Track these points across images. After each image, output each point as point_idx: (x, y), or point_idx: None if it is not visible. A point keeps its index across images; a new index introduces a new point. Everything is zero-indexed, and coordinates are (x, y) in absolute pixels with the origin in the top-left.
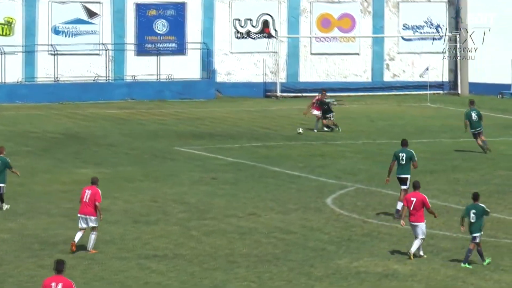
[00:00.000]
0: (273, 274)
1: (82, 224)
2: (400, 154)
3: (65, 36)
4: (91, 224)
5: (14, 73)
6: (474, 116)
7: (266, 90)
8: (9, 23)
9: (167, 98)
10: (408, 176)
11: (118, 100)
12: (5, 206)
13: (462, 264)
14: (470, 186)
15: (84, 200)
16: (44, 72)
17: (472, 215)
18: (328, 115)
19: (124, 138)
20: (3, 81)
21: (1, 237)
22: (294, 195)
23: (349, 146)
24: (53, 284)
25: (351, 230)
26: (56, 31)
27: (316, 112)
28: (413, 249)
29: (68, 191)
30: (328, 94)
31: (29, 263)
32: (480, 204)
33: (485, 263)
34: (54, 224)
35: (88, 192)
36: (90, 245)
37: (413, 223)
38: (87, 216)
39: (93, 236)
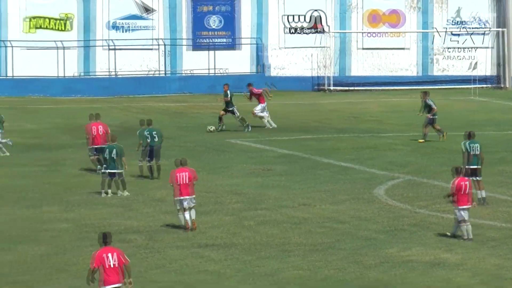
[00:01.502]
0: (325, 262)
1: (184, 205)
2: (472, 145)
3: (122, 31)
4: (192, 204)
5: (71, 67)
6: None
7: (315, 84)
8: (67, 19)
9: (220, 91)
10: (480, 167)
11: (172, 94)
12: (125, 193)
13: None
14: None
15: (182, 182)
16: (101, 66)
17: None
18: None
19: (179, 131)
20: (61, 75)
21: (62, 226)
22: (344, 186)
23: (398, 138)
24: (109, 254)
25: (401, 220)
26: (113, 27)
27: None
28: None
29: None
30: (376, 88)
31: (89, 252)
32: None
33: None
34: (110, 214)
35: (185, 174)
36: (193, 216)
37: (466, 207)
38: (189, 197)
39: (193, 212)
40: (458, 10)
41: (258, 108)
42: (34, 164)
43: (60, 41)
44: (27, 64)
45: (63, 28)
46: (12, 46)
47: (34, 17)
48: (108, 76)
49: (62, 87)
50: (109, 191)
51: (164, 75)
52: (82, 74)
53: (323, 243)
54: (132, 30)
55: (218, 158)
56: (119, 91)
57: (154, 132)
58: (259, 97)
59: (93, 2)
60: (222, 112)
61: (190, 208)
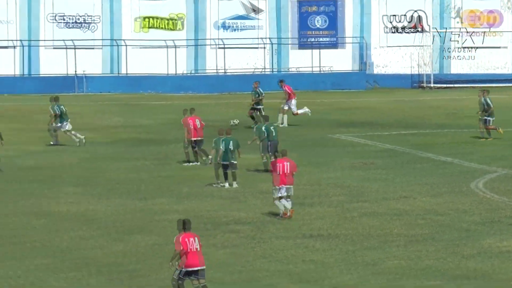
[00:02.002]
0: (425, 252)
1: (283, 193)
2: None
3: (230, 30)
4: (290, 193)
5: (182, 65)
6: None
7: (415, 82)
8: (178, 19)
9: (323, 89)
10: None
11: (278, 91)
12: (234, 185)
13: None
14: None
15: (285, 172)
16: (210, 64)
17: None
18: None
19: (285, 127)
20: (172, 72)
21: (173, 217)
22: (443, 180)
23: (495, 134)
24: (191, 239)
25: (498, 212)
26: (222, 26)
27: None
28: None
29: None
30: (473, 85)
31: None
32: None
33: None
34: (219, 206)
35: (286, 164)
36: (290, 207)
37: None
38: (289, 186)
39: (290, 202)
40: None
41: (292, 107)
42: (147, 158)
43: (171, 40)
44: (140, 62)
45: (174, 28)
46: (125, 45)
47: (146, 17)
48: (216, 74)
49: (173, 84)
50: (227, 183)
51: (270, 72)
52: (192, 72)
53: (423, 234)
54: (240, 29)
55: (322, 152)
56: (228, 88)
57: (272, 128)
58: (289, 95)
59: (202, 3)
60: (251, 111)
61: (288, 197)
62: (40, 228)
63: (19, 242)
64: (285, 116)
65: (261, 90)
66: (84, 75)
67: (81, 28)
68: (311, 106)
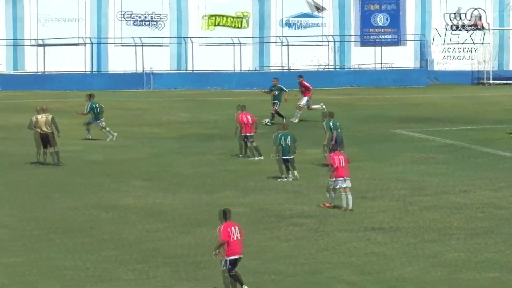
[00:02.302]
0: (485, 245)
1: (341, 185)
2: None
3: (294, 28)
4: (348, 185)
5: (247, 62)
6: None
7: (475, 78)
8: (243, 17)
9: (385, 85)
10: None
11: (341, 87)
12: (295, 176)
13: None
14: None
15: (341, 165)
16: (275, 61)
17: None
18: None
19: (348, 122)
20: (237, 69)
21: (239, 211)
22: (503, 174)
23: None
24: (232, 228)
25: None
26: (286, 24)
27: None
28: None
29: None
30: None
31: (262, 235)
32: None
33: None
34: (283, 199)
35: (341, 158)
36: (351, 203)
37: None
38: (346, 178)
39: (350, 196)
40: None
41: (303, 103)
42: (213, 152)
43: (237, 37)
44: (206, 59)
45: (239, 26)
46: (192, 43)
47: (212, 15)
48: (281, 70)
49: (238, 80)
50: (290, 176)
51: (333, 69)
52: (257, 68)
53: (483, 227)
54: (303, 27)
55: (384, 147)
56: (292, 84)
57: (337, 124)
58: (305, 90)
59: (267, 1)
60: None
61: (345, 189)
62: (108, 221)
63: (88, 234)
64: (300, 113)
65: (282, 87)
66: (151, 71)
67: (149, 26)
68: (373, 102)
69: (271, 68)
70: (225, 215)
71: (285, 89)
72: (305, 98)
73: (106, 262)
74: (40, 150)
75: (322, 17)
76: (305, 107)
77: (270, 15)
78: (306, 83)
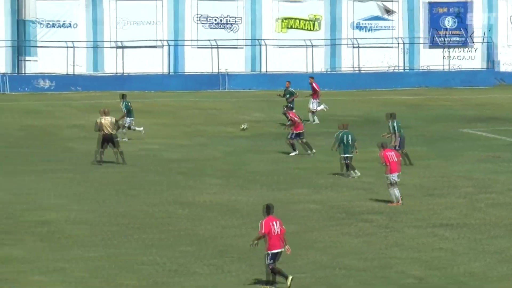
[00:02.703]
0: None
1: (396, 179)
2: None
3: (365, 31)
4: (399, 179)
5: (319, 63)
6: None
7: None
8: (315, 19)
9: (453, 86)
10: None
11: (410, 87)
12: (357, 174)
13: None
14: None
15: (395, 160)
16: (346, 63)
17: None
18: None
19: (417, 121)
20: (309, 70)
21: (311, 207)
22: None
23: None
24: (274, 222)
25: None
26: (357, 26)
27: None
28: None
29: (363, 167)
30: None
31: (333, 230)
32: None
33: None
34: (354, 196)
35: (393, 154)
36: (399, 197)
37: None
38: (399, 173)
39: (398, 190)
40: None
41: (314, 107)
42: (285, 150)
43: (309, 39)
44: (279, 60)
45: (312, 28)
46: (266, 45)
47: (285, 18)
48: (352, 72)
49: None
50: (352, 172)
51: (403, 70)
52: (329, 70)
53: None
54: (374, 29)
55: (451, 146)
56: (362, 85)
57: (400, 124)
58: (313, 93)
59: (339, 4)
60: (286, 110)
61: (396, 183)
62: (184, 217)
63: (165, 230)
64: (314, 115)
65: (293, 90)
66: (226, 73)
67: (225, 29)
68: (442, 102)
69: (342, 69)
70: (268, 209)
71: (295, 92)
72: (315, 101)
73: (182, 257)
74: (100, 150)
75: (392, 20)
76: (315, 109)
77: (341, 17)
78: (315, 85)
